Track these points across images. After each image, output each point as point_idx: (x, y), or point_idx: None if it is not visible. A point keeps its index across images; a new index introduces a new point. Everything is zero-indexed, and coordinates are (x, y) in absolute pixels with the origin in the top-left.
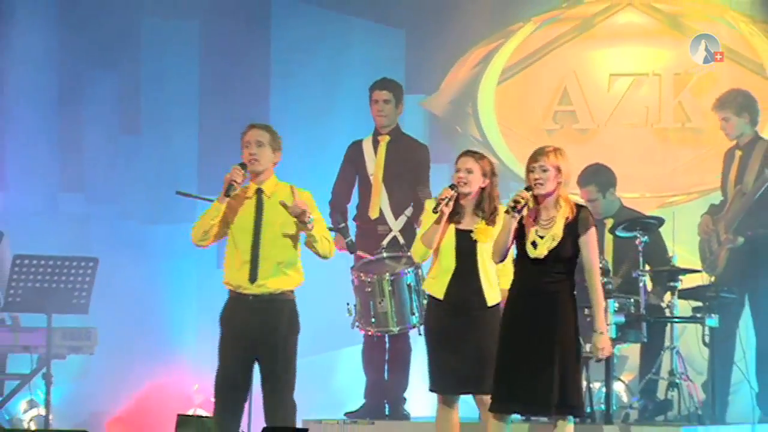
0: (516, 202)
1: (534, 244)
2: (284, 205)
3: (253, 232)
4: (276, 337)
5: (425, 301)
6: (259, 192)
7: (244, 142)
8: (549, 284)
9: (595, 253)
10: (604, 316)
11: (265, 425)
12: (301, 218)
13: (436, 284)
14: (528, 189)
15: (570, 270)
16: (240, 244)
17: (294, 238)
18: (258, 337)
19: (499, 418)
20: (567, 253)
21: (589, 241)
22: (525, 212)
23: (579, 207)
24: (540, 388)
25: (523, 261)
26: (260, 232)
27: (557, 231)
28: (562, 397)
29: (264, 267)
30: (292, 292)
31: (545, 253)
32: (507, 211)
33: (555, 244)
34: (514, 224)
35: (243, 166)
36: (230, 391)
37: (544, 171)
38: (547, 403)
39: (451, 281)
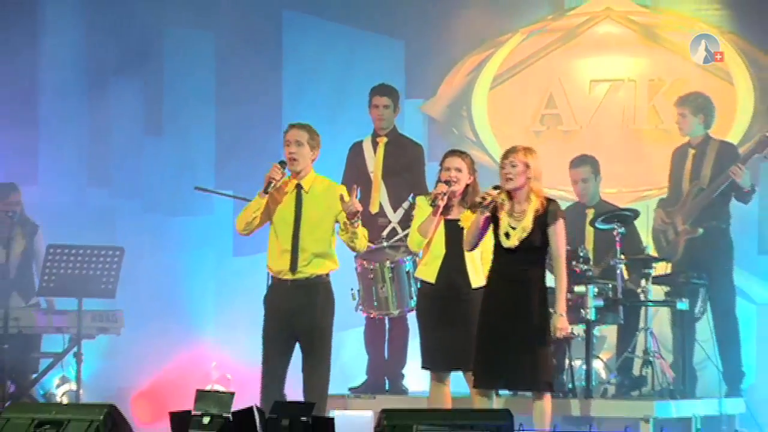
0: (483, 198)
1: (507, 235)
2: (342, 199)
3: (293, 225)
4: (312, 314)
5: (420, 286)
6: (298, 187)
7: (285, 141)
8: (521, 271)
9: (562, 242)
10: (566, 299)
11: (303, 391)
12: (351, 216)
13: (428, 270)
14: (497, 188)
15: (541, 258)
16: (280, 235)
17: (329, 231)
18: (296, 315)
19: (483, 393)
20: (537, 243)
21: (556, 231)
22: (491, 208)
23: (549, 200)
24: (514, 366)
25: (498, 250)
26: (299, 225)
27: (527, 223)
28: (534, 373)
29: (302, 257)
30: (327, 275)
31: (516, 243)
32: (472, 207)
33: (525, 234)
34: (482, 219)
35: (282, 163)
36: (274, 362)
37: (514, 167)
38: (520, 380)
39: (441, 266)
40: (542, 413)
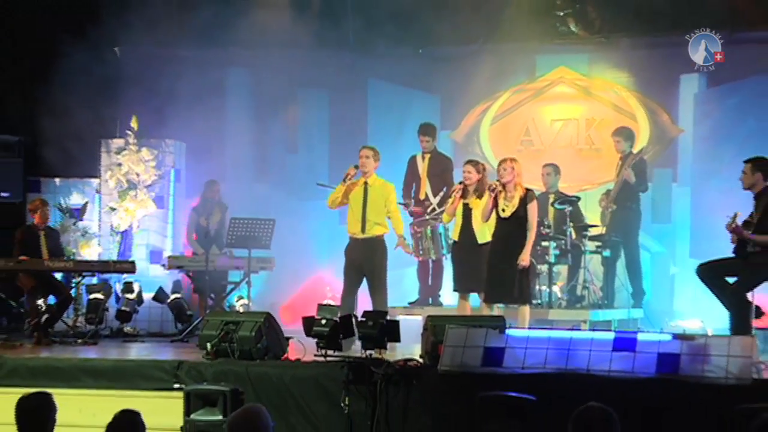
0: (490, 186)
1: (503, 210)
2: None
3: (362, 205)
4: (375, 261)
5: (450, 242)
6: (365, 183)
7: (360, 155)
8: (511, 232)
9: (534, 215)
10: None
11: (371, 309)
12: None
13: (455, 233)
14: (498, 181)
15: (522, 224)
16: (354, 211)
17: (384, 209)
18: (365, 262)
19: (488, 306)
20: (520, 214)
21: (532, 208)
22: (495, 192)
23: (527, 190)
24: (508, 289)
25: (498, 219)
26: (366, 205)
27: (515, 203)
28: (519, 293)
29: (368, 224)
30: (383, 236)
31: (509, 215)
32: (489, 189)
33: (513, 209)
34: (491, 202)
35: (355, 167)
36: (349, 289)
37: (506, 170)
38: (511, 297)
39: (460, 230)
40: (524, 317)
